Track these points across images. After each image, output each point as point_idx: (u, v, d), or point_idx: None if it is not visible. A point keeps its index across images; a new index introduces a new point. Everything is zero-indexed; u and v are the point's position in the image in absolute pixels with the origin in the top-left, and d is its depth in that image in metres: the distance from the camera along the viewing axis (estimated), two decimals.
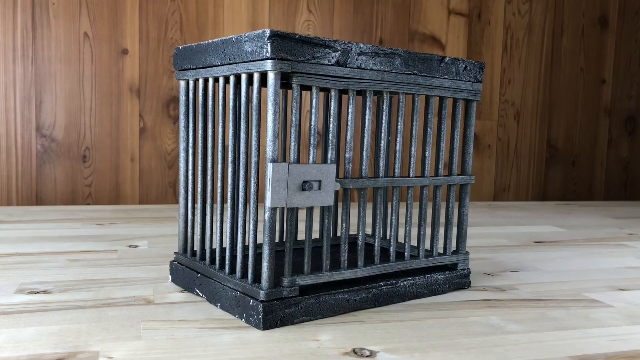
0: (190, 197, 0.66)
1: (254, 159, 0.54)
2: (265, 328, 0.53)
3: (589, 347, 0.52)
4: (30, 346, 0.49)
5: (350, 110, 0.58)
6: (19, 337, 0.51)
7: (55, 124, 1.32)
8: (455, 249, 0.70)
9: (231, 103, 0.57)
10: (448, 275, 0.67)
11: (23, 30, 1.28)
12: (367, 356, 0.49)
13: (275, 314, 0.54)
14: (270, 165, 0.52)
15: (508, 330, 0.56)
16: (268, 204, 0.52)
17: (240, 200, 0.56)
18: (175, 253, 0.68)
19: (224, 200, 0.60)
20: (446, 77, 0.64)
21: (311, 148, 0.56)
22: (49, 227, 1.03)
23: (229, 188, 0.59)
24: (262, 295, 0.53)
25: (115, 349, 0.49)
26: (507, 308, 0.63)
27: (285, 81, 0.72)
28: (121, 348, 0.49)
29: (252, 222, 0.55)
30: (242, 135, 0.55)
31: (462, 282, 0.68)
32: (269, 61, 0.51)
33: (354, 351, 0.50)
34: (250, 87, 0.55)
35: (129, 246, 0.89)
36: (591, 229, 1.20)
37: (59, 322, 0.55)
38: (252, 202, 0.55)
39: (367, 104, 0.59)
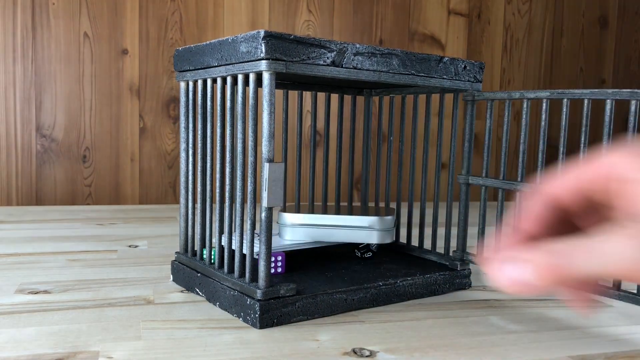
0: (191, 197, 0.66)
1: (250, 159, 0.54)
2: (262, 327, 0.53)
3: (589, 347, 0.52)
4: (30, 346, 0.49)
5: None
6: (19, 337, 0.51)
7: (55, 124, 1.32)
8: (455, 249, 0.70)
9: (228, 103, 0.58)
10: (448, 276, 0.67)
11: (23, 31, 1.28)
12: (367, 356, 0.49)
13: (272, 313, 0.54)
14: (266, 165, 0.52)
15: (508, 330, 0.56)
16: (265, 203, 0.52)
17: (238, 200, 0.56)
18: (176, 253, 0.68)
19: (222, 200, 0.59)
20: (445, 77, 0.64)
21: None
22: (49, 227, 1.03)
23: (227, 188, 0.59)
24: (259, 294, 0.54)
25: (115, 349, 0.49)
26: (507, 308, 0.63)
27: (282, 81, 0.72)
28: (121, 348, 0.49)
29: (249, 222, 0.55)
30: (239, 135, 0.56)
31: (462, 282, 0.68)
32: (264, 61, 0.51)
33: (354, 351, 0.50)
34: (246, 88, 0.55)
35: (129, 246, 0.89)
36: None
37: (59, 322, 0.55)
38: (249, 201, 0.55)
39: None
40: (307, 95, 1.47)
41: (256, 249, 0.60)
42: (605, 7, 1.73)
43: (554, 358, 0.49)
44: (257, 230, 0.77)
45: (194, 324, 0.55)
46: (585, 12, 1.71)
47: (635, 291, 0.61)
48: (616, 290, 0.52)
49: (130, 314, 0.57)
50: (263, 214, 0.53)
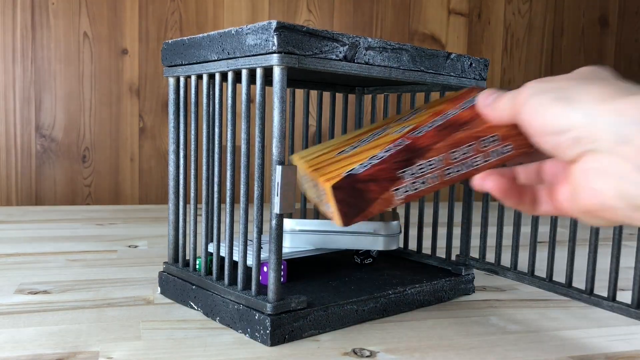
0: (181, 203, 0.61)
1: (257, 161, 0.51)
2: (273, 344, 0.50)
3: (589, 347, 0.52)
4: (30, 346, 0.49)
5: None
6: (18, 337, 0.51)
7: (55, 124, 1.32)
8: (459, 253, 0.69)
9: (229, 101, 0.54)
10: (454, 281, 0.65)
11: (23, 31, 1.28)
12: (367, 356, 0.49)
13: (283, 328, 0.50)
14: (278, 168, 0.48)
15: (508, 330, 0.56)
16: (276, 210, 0.49)
17: (242, 206, 0.52)
18: (164, 263, 0.64)
19: (220, 206, 0.57)
20: (452, 74, 0.62)
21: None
22: (48, 227, 1.03)
23: (228, 193, 0.55)
24: (268, 308, 0.50)
25: (115, 349, 0.49)
26: (507, 308, 0.63)
27: (270, 77, 0.69)
28: (121, 348, 0.49)
29: (255, 230, 0.52)
30: (243, 135, 0.53)
31: (467, 287, 0.67)
32: (276, 55, 0.48)
33: (354, 351, 0.50)
34: (250, 84, 0.52)
35: (129, 246, 0.89)
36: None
37: (58, 322, 0.55)
38: (255, 207, 0.51)
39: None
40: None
41: (253, 258, 0.55)
42: (605, 7, 1.73)
43: (554, 358, 0.49)
44: (250, 238, 0.74)
45: (194, 324, 0.55)
46: (585, 12, 1.71)
47: (629, 302, 0.60)
48: (610, 301, 0.52)
49: (130, 314, 0.57)
50: (273, 221, 0.49)
